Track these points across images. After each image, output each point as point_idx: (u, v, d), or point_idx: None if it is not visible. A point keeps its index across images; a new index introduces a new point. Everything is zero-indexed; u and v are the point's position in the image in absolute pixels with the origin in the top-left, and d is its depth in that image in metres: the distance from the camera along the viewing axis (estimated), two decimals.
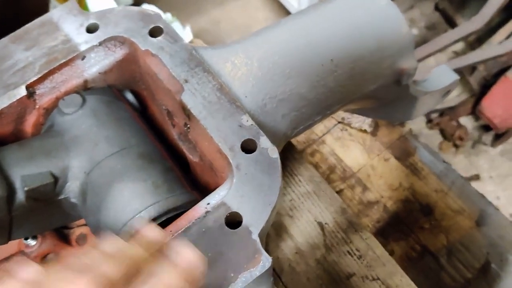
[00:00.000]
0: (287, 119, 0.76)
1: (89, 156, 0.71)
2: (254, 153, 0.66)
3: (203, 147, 0.72)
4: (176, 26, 2.16)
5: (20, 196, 0.67)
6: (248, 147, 0.66)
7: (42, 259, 0.80)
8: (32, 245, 0.77)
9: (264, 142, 0.67)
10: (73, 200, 0.72)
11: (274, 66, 0.74)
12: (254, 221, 0.62)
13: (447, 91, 1.06)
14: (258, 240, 0.61)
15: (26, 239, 0.78)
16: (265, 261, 0.60)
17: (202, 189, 0.77)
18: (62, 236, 0.82)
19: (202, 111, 0.69)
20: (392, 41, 0.82)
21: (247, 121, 0.68)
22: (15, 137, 0.76)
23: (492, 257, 1.14)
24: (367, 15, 0.80)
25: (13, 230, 0.70)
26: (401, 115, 1.04)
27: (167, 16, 2.16)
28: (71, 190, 0.71)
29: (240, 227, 0.61)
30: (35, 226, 0.73)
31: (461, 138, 3.01)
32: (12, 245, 0.78)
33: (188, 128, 0.73)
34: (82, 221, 0.84)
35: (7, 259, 0.77)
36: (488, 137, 3.07)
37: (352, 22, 0.79)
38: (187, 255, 0.49)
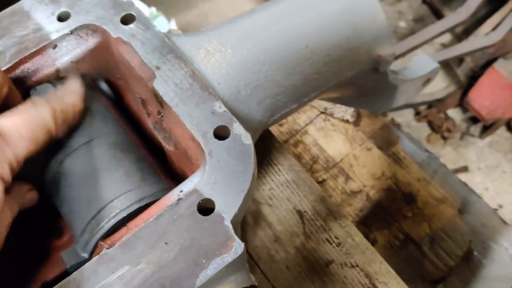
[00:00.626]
0: (262, 106, 0.75)
1: (62, 146, 0.70)
2: (227, 139, 0.65)
3: (177, 135, 0.71)
4: (161, 20, 2.15)
5: None
6: (221, 133, 0.66)
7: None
8: None
9: (237, 128, 0.66)
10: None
11: (248, 52, 0.74)
12: (227, 207, 0.61)
13: (427, 79, 1.06)
14: (230, 226, 0.60)
15: None
16: (237, 247, 0.59)
17: (179, 179, 0.77)
18: None
19: (174, 98, 0.68)
20: (367, 28, 0.82)
21: (220, 107, 0.67)
22: None
23: (475, 245, 1.14)
24: (342, 1, 0.80)
25: None
26: (381, 104, 1.04)
27: (151, 10, 2.15)
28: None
29: (212, 214, 0.61)
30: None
31: (449, 130, 3.04)
32: None
33: (162, 116, 0.73)
34: None
35: None
36: (476, 128, 3.09)
37: (327, 9, 0.79)
38: None
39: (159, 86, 0.69)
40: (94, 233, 0.65)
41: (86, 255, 0.66)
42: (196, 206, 0.61)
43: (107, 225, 0.65)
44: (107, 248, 0.60)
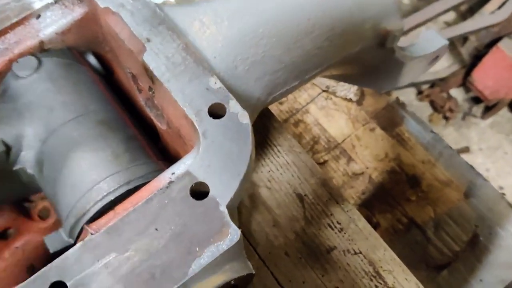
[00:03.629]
0: (261, 83, 0.70)
1: (45, 123, 0.66)
2: (223, 118, 0.61)
3: (169, 112, 0.66)
4: None
5: None
6: (216, 111, 0.61)
7: (1, 234, 0.75)
8: None
9: (233, 106, 0.61)
10: (29, 170, 0.66)
11: (245, 25, 0.68)
12: (222, 192, 0.57)
13: (435, 57, 1.01)
14: (226, 212, 0.56)
15: None
16: (233, 234, 0.55)
17: (173, 159, 0.72)
18: (23, 209, 0.77)
19: (166, 73, 0.63)
20: (372, 1, 0.76)
21: (215, 83, 0.62)
22: None
23: (481, 230, 1.10)
24: None
25: None
26: (386, 82, 0.99)
27: None
28: (27, 159, 0.66)
29: (206, 198, 0.56)
30: None
31: (451, 110, 2.98)
32: None
33: (153, 92, 0.68)
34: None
35: None
36: (478, 109, 3.04)
37: None
38: None
39: (150, 59, 0.64)
40: (79, 217, 0.61)
41: (71, 240, 0.62)
42: (188, 190, 0.57)
43: (93, 208, 0.60)
44: (92, 234, 0.55)
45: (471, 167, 1.15)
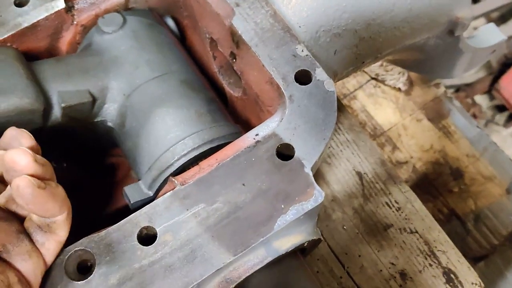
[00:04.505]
0: (339, 56, 0.72)
1: (129, 79, 0.67)
2: (309, 84, 0.62)
3: (250, 78, 0.68)
4: None
5: (57, 112, 0.63)
6: (303, 78, 0.62)
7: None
8: None
9: (320, 74, 0.63)
10: (109, 123, 0.68)
11: None
12: (307, 154, 0.58)
13: (492, 51, 1.02)
14: (311, 173, 0.57)
15: None
16: (317, 195, 0.56)
17: (242, 127, 0.74)
18: None
19: (254, 38, 0.65)
20: None
21: (302, 51, 0.64)
22: (49, 54, 0.72)
23: None
24: None
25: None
26: (442, 71, 1.00)
27: None
28: (109, 112, 0.68)
29: (292, 159, 0.58)
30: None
31: (474, 116, 2.98)
32: None
33: (235, 58, 0.69)
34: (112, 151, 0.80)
35: None
36: (501, 117, 3.04)
37: None
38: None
39: (239, 24, 0.65)
40: (163, 170, 0.62)
41: (150, 193, 0.64)
42: (275, 150, 0.58)
43: (177, 163, 0.62)
44: (181, 185, 0.57)
45: None
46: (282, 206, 0.56)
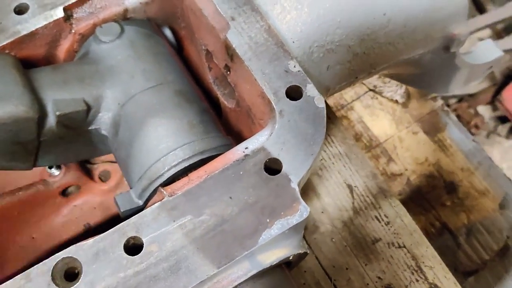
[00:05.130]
0: (332, 72, 0.72)
1: (124, 88, 0.68)
2: (299, 100, 0.63)
3: (243, 90, 0.69)
4: None
5: (51, 120, 0.64)
6: (294, 93, 0.63)
7: (63, 191, 0.78)
8: (56, 175, 0.75)
9: (310, 90, 0.64)
10: (103, 132, 0.69)
11: (324, 13, 0.71)
12: (294, 169, 0.59)
13: (489, 67, 1.03)
14: (297, 188, 0.58)
15: (50, 168, 0.75)
16: (303, 211, 0.57)
17: (234, 138, 0.75)
18: (86, 170, 0.80)
19: (248, 52, 0.66)
20: (446, 2, 0.78)
21: (294, 66, 0.65)
22: (46, 62, 0.73)
23: None
24: None
25: (40, 156, 0.68)
26: (439, 86, 1.00)
27: None
28: (103, 121, 0.69)
29: (279, 174, 0.59)
30: (62, 155, 0.71)
31: (477, 127, 2.98)
32: (35, 174, 0.76)
33: (229, 70, 0.70)
34: (107, 157, 0.82)
35: (29, 186, 0.74)
36: (504, 128, 3.04)
37: None
38: None
39: (233, 37, 0.66)
40: (153, 180, 0.63)
41: (140, 202, 0.65)
42: (263, 164, 0.59)
43: (167, 173, 0.63)
44: (169, 196, 0.58)
45: (509, 179, 1.17)
46: (268, 220, 0.57)
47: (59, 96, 0.65)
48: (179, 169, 0.63)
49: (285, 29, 0.69)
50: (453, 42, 0.81)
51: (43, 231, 0.77)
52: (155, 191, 0.63)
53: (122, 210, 0.64)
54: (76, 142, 0.71)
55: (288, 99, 0.63)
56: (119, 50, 0.70)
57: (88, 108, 0.66)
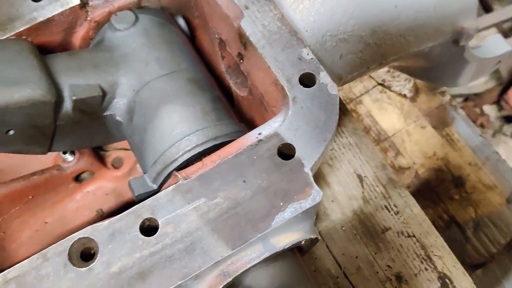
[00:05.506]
0: (344, 61, 0.73)
1: (139, 75, 0.69)
2: (313, 87, 0.64)
3: (256, 78, 0.70)
4: None
5: (67, 105, 0.65)
6: (307, 80, 0.64)
7: (77, 176, 0.79)
8: (69, 161, 0.76)
9: (324, 77, 0.64)
10: (118, 118, 0.70)
11: (337, 3, 0.71)
12: (307, 154, 0.60)
13: (497, 62, 1.03)
14: (310, 173, 0.59)
15: (64, 153, 0.76)
16: (315, 195, 0.58)
17: (247, 125, 0.76)
18: (99, 157, 0.81)
19: (261, 40, 0.66)
20: None
21: (308, 54, 0.66)
22: (62, 48, 0.74)
23: None
24: None
25: (55, 140, 0.69)
26: (448, 80, 1.01)
27: None
28: (118, 107, 0.70)
29: (292, 159, 0.60)
30: (76, 140, 0.72)
31: (482, 126, 2.98)
32: (49, 159, 0.77)
33: (242, 58, 0.71)
34: (120, 145, 0.83)
35: (43, 171, 0.76)
36: (509, 128, 3.03)
37: None
38: None
39: (247, 25, 0.67)
40: (167, 164, 0.64)
41: (154, 186, 0.66)
42: (276, 150, 0.60)
43: (181, 158, 0.64)
44: (184, 180, 0.59)
45: None
46: (281, 203, 0.58)
47: (75, 82, 0.66)
48: (193, 153, 0.64)
49: (299, 18, 0.70)
50: (462, 35, 0.82)
51: (56, 216, 0.78)
52: (169, 176, 0.64)
53: (136, 194, 0.65)
54: (91, 128, 0.72)
55: (301, 86, 0.64)
56: (134, 38, 0.71)
57: (104, 94, 0.67)
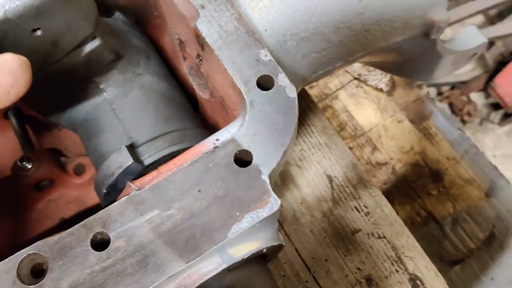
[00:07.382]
0: (307, 60, 0.71)
1: None
2: (271, 90, 0.61)
3: (215, 81, 0.67)
4: None
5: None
6: (265, 83, 0.62)
7: (37, 185, 0.76)
8: (28, 168, 0.74)
9: (282, 79, 0.62)
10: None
11: (298, 1, 0.69)
12: (265, 161, 0.58)
13: (473, 54, 1.01)
14: (267, 181, 0.57)
15: (21, 161, 0.74)
16: (273, 203, 0.56)
17: (210, 129, 0.73)
18: (60, 164, 0.79)
19: (218, 41, 0.64)
20: None
21: (266, 56, 0.63)
22: None
23: (498, 230, 1.11)
24: None
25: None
26: (422, 74, 0.99)
27: None
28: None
29: (249, 166, 0.58)
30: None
31: (469, 114, 2.97)
32: (6, 168, 0.74)
33: (201, 60, 0.69)
34: (82, 151, 0.80)
35: (0, 181, 0.73)
36: (496, 115, 3.03)
37: None
38: None
39: (203, 26, 0.64)
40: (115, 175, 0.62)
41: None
42: (233, 156, 0.58)
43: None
44: (137, 190, 0.57)
45: (495, 167, 1.16)
46: (237, 213, 0.56)
47: None
48: (149, 162, 0.62)
49: (257, 17, 0.67)
50: (432, 29, 0.79)
51: (18, 226, 0.76)
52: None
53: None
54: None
55: (259, 89, 0.61)
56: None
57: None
